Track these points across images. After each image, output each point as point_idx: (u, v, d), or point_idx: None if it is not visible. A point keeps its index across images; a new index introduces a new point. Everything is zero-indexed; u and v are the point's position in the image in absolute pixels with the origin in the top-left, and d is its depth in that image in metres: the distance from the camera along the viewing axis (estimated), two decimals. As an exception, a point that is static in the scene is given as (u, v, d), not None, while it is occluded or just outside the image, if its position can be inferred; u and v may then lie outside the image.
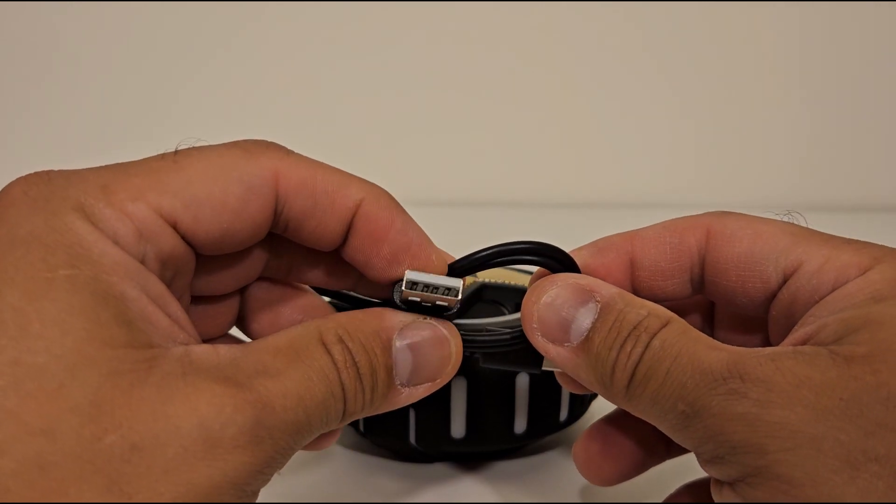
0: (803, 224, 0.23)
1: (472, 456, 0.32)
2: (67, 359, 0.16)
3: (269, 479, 0.19)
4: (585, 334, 0.22)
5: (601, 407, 0.30)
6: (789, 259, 0.22)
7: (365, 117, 0.66)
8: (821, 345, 0.20)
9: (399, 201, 0.23)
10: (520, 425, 0.31)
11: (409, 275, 0.22)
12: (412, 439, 0.30)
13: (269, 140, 0.22)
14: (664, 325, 0.21)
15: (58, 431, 0.16)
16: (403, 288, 0.22)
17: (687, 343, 0.20)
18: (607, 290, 0.22)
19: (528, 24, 0.64)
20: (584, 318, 0.22)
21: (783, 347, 0.20)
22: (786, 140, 0.68)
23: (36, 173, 0.19)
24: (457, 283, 0.22)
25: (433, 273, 0.22)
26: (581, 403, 0.32)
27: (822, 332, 0.20)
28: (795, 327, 0.22)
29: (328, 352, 0.20)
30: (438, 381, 0.23)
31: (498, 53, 0.65)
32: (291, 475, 0.31)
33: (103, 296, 0.17)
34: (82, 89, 0.65)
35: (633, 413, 0.21)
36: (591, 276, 0.23)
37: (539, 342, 0.22)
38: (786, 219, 0.23)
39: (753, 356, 0.19)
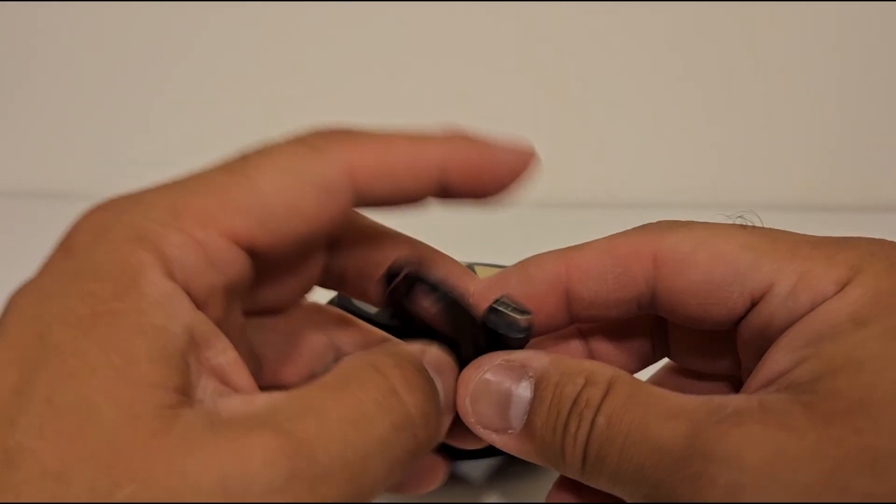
0: (758, 224, 0.21)
1: (457, 454, 0.32)
2: (93, 399, 0.15)
3: None
4: (525, 418, 0.20)
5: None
6: (755, 281, 0.20)
7: (365, 117, 0.66)
8: (795, 387, 0.17)
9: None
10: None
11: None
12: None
13: (331, 126, 0.20)
14: (606, 393, 0.19)
15: (72, 478, 0.15)
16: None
17: (636, 414, 0.18)
18: (539, 361, 0.20)
19: (528, 24, 0.64)
20: (521, 400, 0.20)
21: (749, 401, 0.17)
22: (787, 139, 0.68)
23: (106, 201, 0.19)
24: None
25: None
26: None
27: (798, 369, 0.18)
28: (769, 355, 0.19)
29: (384, 375, 0.18)
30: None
31: (498, 53, 0.65)
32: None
33: (141, 330, 0.16)
34: (79, 87, 0.65)
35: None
36: (529, 300, 0.21)
37: (482, 434, 0.21)
38: (739, 222, 0.21)
39: (715, 422, 0.17)
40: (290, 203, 0.18)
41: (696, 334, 0.23)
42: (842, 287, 0.19)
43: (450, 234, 0.60)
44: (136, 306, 0.16)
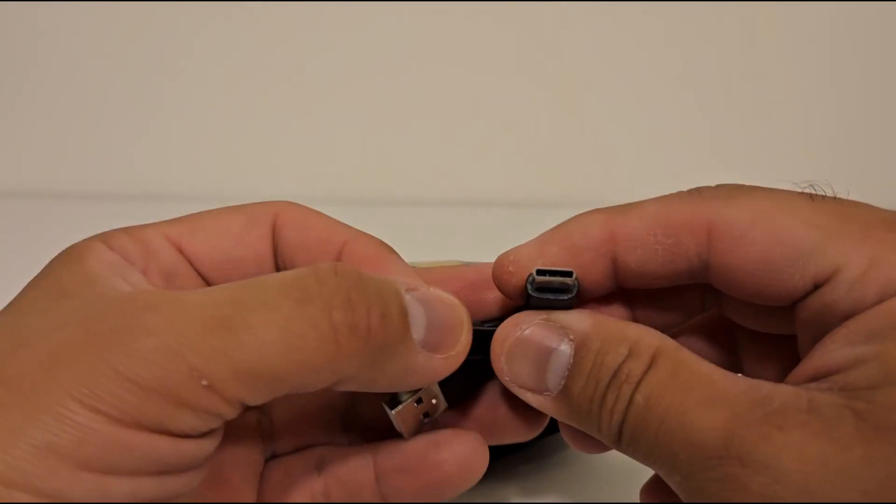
0: (829, 195, 0.19)
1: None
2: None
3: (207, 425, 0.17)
4: (563, 381, 0.19)
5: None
6: (820, 264, 0.18)
7: (364, 117, 0.66)
8: (850, 391, 0.16)
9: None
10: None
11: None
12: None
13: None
14: (648, 368, 0.18)
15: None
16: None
17: (675, 398, 0.17)
18: (580, 323, 0.19)
19: (527, 23, 0.64)
20: (559, 362, 0.19)
21: (798, 397, 0.16)
22: (787, 139, 0.68)
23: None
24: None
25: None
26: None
27: (856, 370, 0.16)
28: (825, 343, 0.18)
29: (317, 273, 0.18)
30: (454, 352, 0.19)
31: (497, 52, 0.65)
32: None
33: (76, 267, 0.19)
34: (77, 89, 0.65)
35: None
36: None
37: (518, 392, 0.20)
38: (808, 191, 0.19)
39: (757, 419, 0.16)
40: (217, 222, 0.22)
41: (757, 317, 0.21)
42: None
43: (449, 233, 0.60)
44: (76, 257, 0.20)
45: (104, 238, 0.20)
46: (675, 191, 0.21)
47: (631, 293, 0.22)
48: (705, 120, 0.68)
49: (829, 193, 0.19)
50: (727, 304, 0.21)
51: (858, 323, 0.17)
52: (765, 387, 0.17)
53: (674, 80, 0.66)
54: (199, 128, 0.66)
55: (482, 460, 0.22)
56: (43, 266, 0.20)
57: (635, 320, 0.22)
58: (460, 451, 0.21)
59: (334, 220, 0.22)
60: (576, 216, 0.20)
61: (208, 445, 0.17)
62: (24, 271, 0.20)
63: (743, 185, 0.19)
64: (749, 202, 0.19)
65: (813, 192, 0.19)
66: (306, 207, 0.22)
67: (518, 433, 0.23)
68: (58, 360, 0.16)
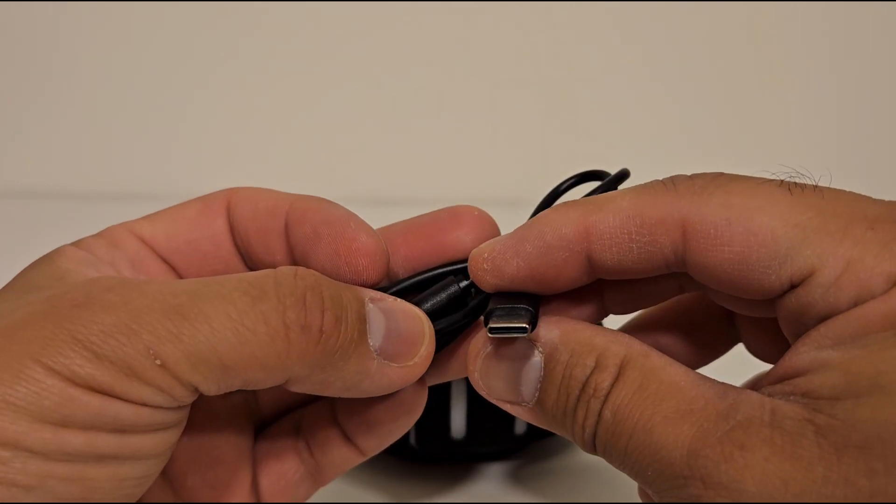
0: (809, 185, 0.18)
1: (472, 457, 0.32)
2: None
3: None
4: (537, 393, 0.19)
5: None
6: (797, 265, 0.17)
7: (364, 117, 0.66)
8: (813, 400, 0.16)
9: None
10: (520, 426, 0.31)
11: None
12: (412, 440, 0.30)
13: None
14: (615, 380, 0.18)
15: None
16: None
17: (643, 413, 0.17)
18: (548, 334, 0.19)
19: (527, 22, 0.64)
20: (531, 376, 0.19)
21: (762, 408, 0.16)
22: (786, 138, 0.68)
23: None
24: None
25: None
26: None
27: (820, 375, 0.16)
28: (796, 345, 0.18)
29: (276, 274, 0.19)
30: (412, 363, 0.20)
31: (499, 51, 0.65)
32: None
33: (47, 266, 0.20)
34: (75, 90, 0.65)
35: None
36: (536, 275, 0.20)
37: (497, 403, 0.20)
38: (790, 181, 0.18)
39: (718, 440, 0.16)
40: (174, 211, 0.23)
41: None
42: (892, 285, 0.16)
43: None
44: (50, 259, 0.21)
45: (74, 243, 0.21)
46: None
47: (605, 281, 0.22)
48: (705, 120, 0.68)
49: (810, 182, 0.18)
50: (709, 291, 0.21)
51: (829, 327, 0.17)
52: (731, 394, 0.17)
53: (673, 79, 0.66)
54: (200, 128, 0.66)
55: (420, 400, 0.23)
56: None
57: (605, 306, 0.23)
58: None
59: (282, 192, 0.23)
60: (549, 211, 0.20)
61: (170, 417, 0.18)
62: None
63: (720, 176, 0.19)
64: (725, 199, 0.18)
65: (792, 182, 0.18)
66: (256, 187, 0.23)
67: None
68: (20, 327, 0.17)
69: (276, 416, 0.25)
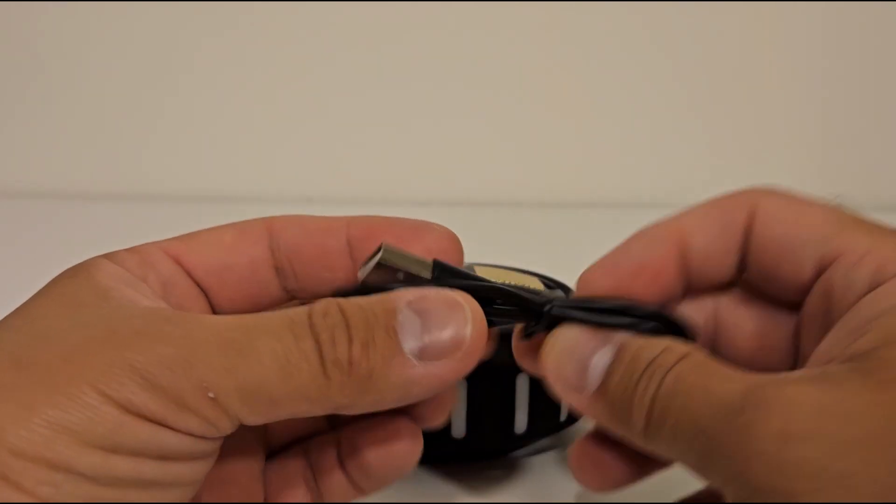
0: (851, 211, 0.22)
1: (472, 456, 0.32)
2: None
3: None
4: (602, 379, 0.21)
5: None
6: (827, 248, 0.21)
7: (364, 117, 0.66)
8: (854, 357, 0.18)
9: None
10: (520, 425, 0.31)
11: (385, 245, 0.21)
12: (412, 440, 0.30)
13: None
14: (680, 359, 0.20)
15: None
16: (378, 257, 0.20)
17: (701, 376, 0.19)
18: (623, 334, 0.21)
19: (526, 23, 0.64)
20: (600, 363, 0.21)
21: (809, 371, 0.19)
22: (790, 139, 0.68)
23: None
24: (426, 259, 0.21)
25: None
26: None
27: (858, 342, 0.18)
28: (831, 334, 0.20)
29: (310, 312, 0.19)
30: (460, 354, 0.20)
31: (498, 52, 0.65)
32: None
33: (86, 280, 0.20)
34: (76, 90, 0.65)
35: (657, 454, 0.20)
36: (644, 270, 0.22)
37: (559, 389, 0.22)
38: (838, 202, 0.22)
39: (772, 382, 0.18)
40: (211, 235, 0.23)
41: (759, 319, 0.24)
42: None
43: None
44: (86, 272, 0.21)
45: (107, 255, 0.22)
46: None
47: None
48: (705, 120, 0.68)
49: (854, 208, 0.22)
50: (758, 278, 0.24)
51: (857, 311, 0.19)
52: (785, 374, 0.19)
53: (674, 79, 0.66)
54: (200, 128, 0.66)
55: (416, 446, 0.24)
56: (41, 267, 0.21)
57: None
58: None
59: (323, 215, 0.24)
60: (639, 234, 0.23)
61: (209, 446, 0.19)
62: (25, 272, 0.20)
63: (785, 188, 0.23)
64: (786, 196, 0.22)
65: (839, 203, 0.22)
66: (296, 214, 0.24)
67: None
68: (78, 352, 0.18)
69: (286, 442, 0.25)
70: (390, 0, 0.63)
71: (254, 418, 0.19)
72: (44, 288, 0.20)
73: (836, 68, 0.66)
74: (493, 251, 0.38)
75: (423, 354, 0.20)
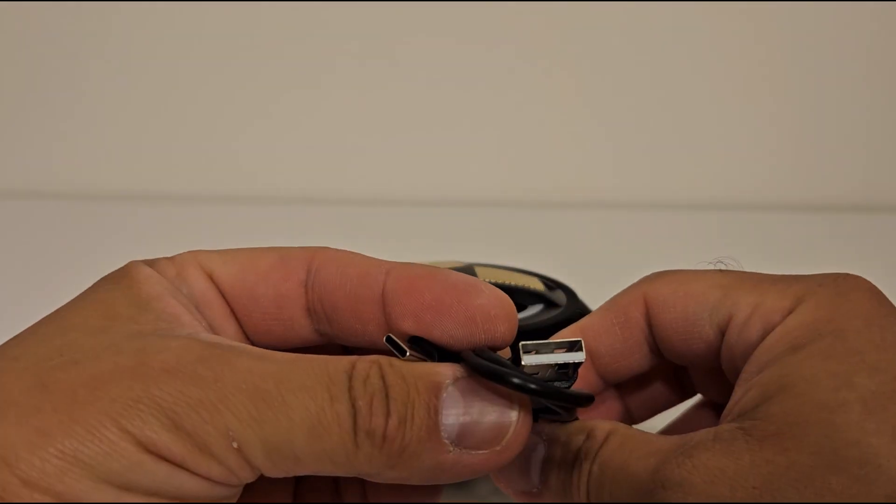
0: (737, 269, 0.23)
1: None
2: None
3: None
4: (540, 476, 0.22)
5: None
6: (720, 314, 0.22)
7: (364, 117, 0.66)
8: (741, 415, 0.20)
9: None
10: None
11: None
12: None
13: None
14: (602, 444, 0.21)
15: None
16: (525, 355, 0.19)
17: (621, 458, 0.20)
18: (546, 426, 0.22)
19: (527, 23, 0.64)
20: (536, 461, 0.22)
21: (708, 433, 0.20)
22: (788, 138, 0.68)
23: None
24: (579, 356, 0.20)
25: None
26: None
27: (744, 398, 0.20)
28: (733, 393, 0.21)
29: (350, 373, 0.19)
30: (499, 448, 0.19)
31: (498, 52, 0.65)
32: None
33: (128, 289, 0.20)
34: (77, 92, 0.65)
35: None
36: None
37: (517, 497, 0.23)
38: (719, 267, 0.23)
39: (675, 455, 0.19)
40: (249, 256, 0.22)
41: (711, 371, 0.25)
42: (785, 316, 0.21)
43: (450, 234, 0.60)
44: (128, 283, 0.20)
45: (148, 262, 0.21)
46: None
47: (622, 392, 0.27)
48: (705, 121, 0.68)
49: (736, 267, 0.23)
50: (697, 383, 0.26)
51: (750, 363, 0.21)
52: (690, 435, 0.20)
53: (673, 80, 0.66)
54: (201, 128, 0.66)
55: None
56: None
57: (628, 410, 0.27)
58: None
59: (369, 257, 0.22)
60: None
61: (228, 491, 0.19)
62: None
63: (670, 270, 0.24)
64: (673, 276, 0.23)
65: (723, 266, 0.23)
66: (342, 250, 0.23)
67: None
68: (104, 381, 0.17)
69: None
70: (390, 0, 0.63)
71: (275, 472, 0.18)
72: (84, 292, 0.20)
73: (833, 68, 0.66)
74: (493, 251, 0.38)
75: (460, 442, 0.19)
